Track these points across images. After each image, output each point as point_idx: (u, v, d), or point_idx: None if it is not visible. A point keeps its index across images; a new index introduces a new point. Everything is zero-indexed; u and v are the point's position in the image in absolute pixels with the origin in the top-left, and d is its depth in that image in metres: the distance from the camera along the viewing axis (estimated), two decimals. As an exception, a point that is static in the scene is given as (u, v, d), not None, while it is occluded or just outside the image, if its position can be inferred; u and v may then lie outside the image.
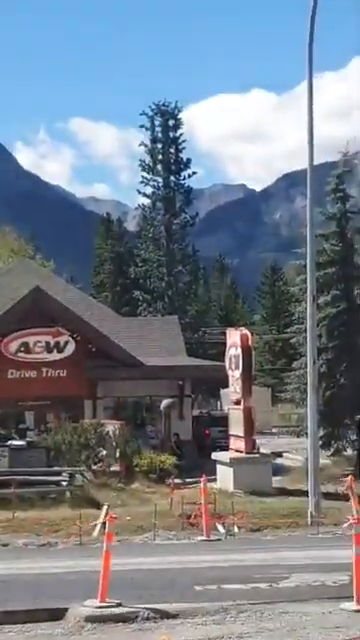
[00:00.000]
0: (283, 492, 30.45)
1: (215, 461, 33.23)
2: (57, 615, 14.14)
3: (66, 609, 14.26)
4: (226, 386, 41.28)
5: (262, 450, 33.82)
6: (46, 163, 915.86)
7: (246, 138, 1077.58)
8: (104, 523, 20.41)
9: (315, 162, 26.34)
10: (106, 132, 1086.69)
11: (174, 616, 14.01)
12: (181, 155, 75.55)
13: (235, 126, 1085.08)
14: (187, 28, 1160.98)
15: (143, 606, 14.26)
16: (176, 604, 14.53)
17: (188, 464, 35.20)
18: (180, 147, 75.56)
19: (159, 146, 75.06)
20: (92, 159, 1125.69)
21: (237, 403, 32.77)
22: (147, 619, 13.85)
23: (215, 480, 31.46)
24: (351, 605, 14.23)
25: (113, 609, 14.18)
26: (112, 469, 31.72)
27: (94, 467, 31.32)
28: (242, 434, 31.85)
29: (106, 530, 15.13)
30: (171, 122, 75.54)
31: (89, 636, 13.27)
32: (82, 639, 13.15)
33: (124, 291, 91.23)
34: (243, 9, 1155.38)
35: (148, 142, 75.12)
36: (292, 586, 16.08)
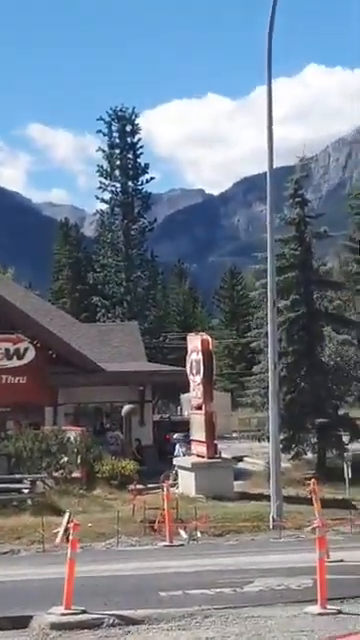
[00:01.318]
0: (245, 496, 30.52)
1: (177, 466, 33.24)
2: (21, 623, 14.08)
3: (30, 617, 14.21)
4: (186, 391, 41.38)
5: (223, 455, 33.81)
6: (2, 169, 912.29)
7: (203, 143, 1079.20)
8: (66, 530, 20.44)
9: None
10: (63, 138, 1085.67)
11: (140, 622, 14.02)
12: (139, 160, 75.88)
13: (192, 131, 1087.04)
14: (140, 33, 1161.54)
15: (108, 612, 14.25)
16: (141, 610, 14.54)
17: (149, 469, 35.17)
18: (138, 152, 75.82)
19: (117, 151, 75.22)
20: (49, 164, 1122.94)
21: (198, 408, 32.81)
22: (113, 625, 13.85)
23: (177, 485, 31.48)
24: (315, 608, 14.33)
25: (78, 616, 14.16)
26: (73, 476, 31.59)
27: (55, 474, 31.17)
28: (204, 439, 31.89)
29: (70, 537, 15.10)
30: (128, 127, 75.75)
31: (54, 644, 13.24)
32: (47, 647, 13.12)
33: (83, 297, 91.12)
34: (196, 14, 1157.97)
35: (106, 147, 75.34)
36: (256, 590, 16.15)
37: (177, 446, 34.53)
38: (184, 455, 34.04)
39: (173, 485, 31.36)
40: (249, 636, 13.08)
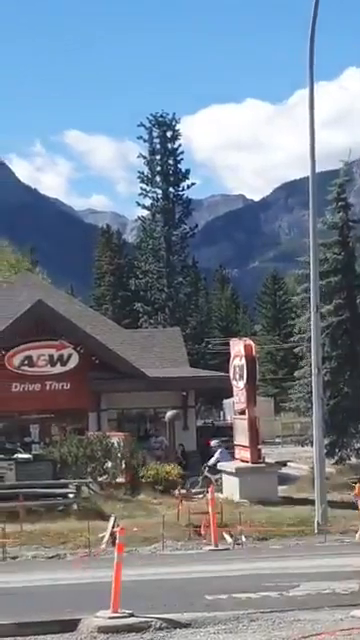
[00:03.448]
0: (289, 501, 30.49)
1: (221, 471, 33.29)
2: (69, 626, 14.19)
3: (78, 620, 14.32)
4: (229, 396, 41.34)
5: (267, 460, 33.81)
6: (42, 175, 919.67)
7: (243, 148, 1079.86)
8: (112, 534, 20.58)
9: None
10: (102, 144, 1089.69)
11: (186, 625, 14.07)
12: (179, 166, 75.85)
13: (231, 136, 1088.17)
14: (179, 38, 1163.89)
15: (155, 616, 14.32)
16: (188, 614, 14.59)
17: (193, 474, 35.23)
18: (178, 158, 75.82)
19: (157, 157, 75.29)
20: (89, 171, 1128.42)
21: (242, 413, 32.84)
22: (160, 629, 13.92)
23: (222, 490, 31.54)
24: (362, 612, 14.30)
25: (125, 619, 14.24)
26: (118, 481, 31.76)
27: (100, 479, 31.37)
28: (247, 444, 31.90)
29: (116, 541, 15.21)
30: (169, 133, 75.79)
31: (102, 646, 13.34)
32: (95, 650, 13.23)
33: (125, 303, 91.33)
34: (235, 18, 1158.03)
35: (146, 153, 75.41)
36: (302, 594, 16.14)
37: (218, 452, 34.45)
38: (220, 461, 33.91)
39: (199, 493, 31.54)
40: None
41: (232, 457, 34.02)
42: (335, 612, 14.61)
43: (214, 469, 33.79)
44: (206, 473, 33.84)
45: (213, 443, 35.79)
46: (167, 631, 13.84)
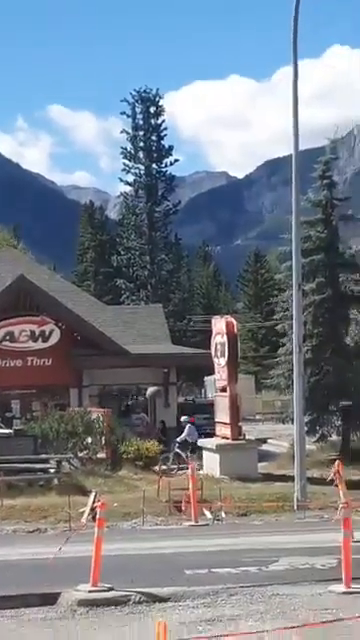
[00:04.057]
0: (269, 478, 30.67)
1: (201, 448, 33.44)
2: (50, 600, 14.33)
3: (58, 594, 14.45)
4: (211, 373, 41.45)
5: (247, 437, 33.96)
6: (25, 150, 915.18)
7: (227, 125, 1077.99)
8: (92, 509, 20.66)
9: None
10: (85, 120, 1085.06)
11: (165, 599, 14.23)
12: (163, 142, 75.68)
13: (216, 113, 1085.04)
14: (162, 14, 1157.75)
15: (135, 590, 14.47)
16: (167, 588, 14.74)
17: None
18: (162, 134, 75.62)
19: (141, 133, 75.05)
20: (72, 147, 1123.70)
21: (223, 390, 32.96)
22: (139, 603, 14.06)
23: (202, 466, 31.67)
24: (340, 587, 14.49)
25: (105, 593, 14.38)
26: (99, 456, 31.86)
27: (81, 454, 31.45)
28: (228, 421, 32.04)
29: (97, 516, 15.30)
30: (152, 109, 75.53)
31: (82, 620, 13.47)
32: (75, 623, 13.35)
33: (107, 280, 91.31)
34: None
35: (129, 129, 75.14)
36: (281, 569, 16.32)
37: (186, 428, 34.62)
38: (191, 439, 34.16)
39: (171, 470, 31.78)
40: (274, 614, 13.26)
41: (199, 434, 34.42)
42: (314, 587, 14.80)
43: (185, 445, 33.99)
44: (176, 449, 34.07)
45: (183, 419, 35.97)
46: (146, 605, 13.99)
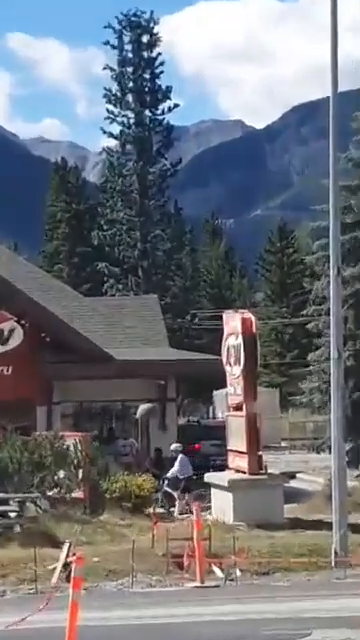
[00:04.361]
0: (298, 524, 30.66)
1: (209, 484, 33.47)
2: None
3: None
4: (221, 387, 41.43)
5: (270, 470, 34.00)
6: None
7: (242, 59, 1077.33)
8: (66, 565, 20.71)
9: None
10: (55, 51, 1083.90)
11: None
12: (158, 82, 75.78)
13: (227, 43, 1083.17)
14: None
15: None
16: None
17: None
18: (157, 71, 75.82)
19: (129, 70, 75.26)
20: (38, 87, 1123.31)
21: (237, 408, 32.94)
22: None
23: (210, 509, 31.71)
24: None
25: None
26: (74, 496, 31.84)
27: (50, 493, 31.43)
28: (244, 449, 32.04)
29: (72, 574, 15.32)
30: (145, 38, 75.81)
31: None
32: None
33: (85, 262, 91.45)
34: None
35: (115, 65, 75.23)
36: (314, 645, 16.35)
37: (178, 461, 34.75)
38: (182, 474, 34.34)
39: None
40: None
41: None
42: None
43: (175, 482, 34.01)
44: (165, 488, 34.08)
45: (173, 447, 36.03)
46: None
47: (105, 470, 33.94)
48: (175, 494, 33.47)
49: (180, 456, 35.07)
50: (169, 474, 34.60)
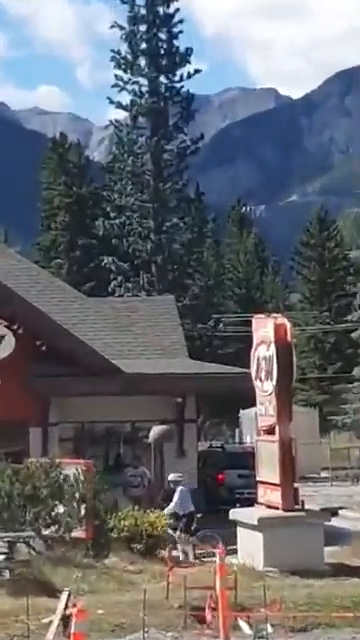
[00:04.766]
0: (341, 571, 30.65)
1: (235, 522, 33.43)
2: None
3: None
4: (250, 405, 41.37)
5: (308, 505, 33.95)
6: None
7: (275, 15, 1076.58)
8: (64, 619, 20.70)
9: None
10: (51, 3, 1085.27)
11: None
12: (176, 43, 75.83)
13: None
14: None
15: None
16: None
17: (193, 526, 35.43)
18: (175, 30, 75.88)
19: (142, 29, 75.33)
20: (32, 48, 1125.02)
21: (269, 432, 32.92)
22: None
23: (235, 552, 31.67)
24: None
25: None
26: (74, 535, 31.81)
27: (47, 532, 31.42)
28: (277, 480, 32.01)
29: (71, 630, 15.32)
30: (160, -10, 75.83)
31: None
32: None
33: (88, 257, 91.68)
34: None
35: (125, 22, 75.34)
36: None
37: (177, 493, 34.73)
38: (183, 510, 34.37)
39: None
40: None
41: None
42: None
43: (176, 519, 34.01)
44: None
45: (171, 477, 36.02)
46: None
47: (113, 505, 33.95)
48: (176, 536, 33.36)
49: (179, 488, 34.94)
50: (166, 510, 34.48)
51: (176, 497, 34.60)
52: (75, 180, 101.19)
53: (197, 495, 40.65)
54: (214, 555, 25.37)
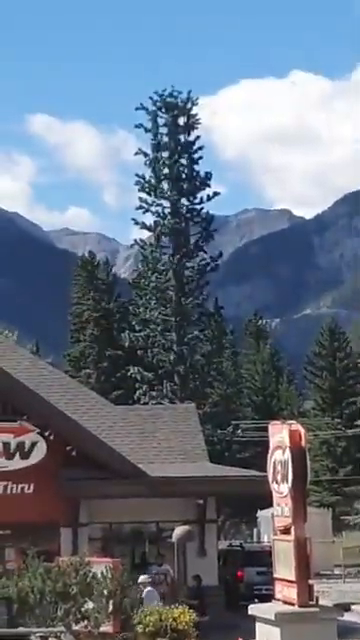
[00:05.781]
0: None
1: (254, 618, 33.19)
2: None
3: None
4: (267, 506, 41.20)
5: (322, 601, 33.65)
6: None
7: (288, 142, 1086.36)
8: None
9: None
10: (81, 134, 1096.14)
11: None
12: (197, 168, 76.39)
13: (271, 125, 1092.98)
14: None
15: None
16: None
17: (214, 621, 35.16)
18: (195, 156, 76.40)
19: (165, 155, 75.83)
20: (63, 174, 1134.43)
21: (285, 532, 32.72)
22: None
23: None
24: None
25: None
26: (102, 630, 31.62)
27: (77, 627, 31.24)
28: (293, 577, 31.79)
29: None
30: (182, 120, 76.53)
31: None
32: None
33: (115, 367, 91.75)
34: None
35: (148, 149, 75.99)
36: None
37: (145, 593, 34.38)
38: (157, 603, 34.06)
39: None
40: None
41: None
42: None
43: None
44: None
45: (141, 579, 35.69)
46: None
47: (138, 601, 33.73)
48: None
49: (147, 589, 34.67)
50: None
51: (144, 597, 34.21)
52: (103, 295, 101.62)
53: (218, 592, 40.52)
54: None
